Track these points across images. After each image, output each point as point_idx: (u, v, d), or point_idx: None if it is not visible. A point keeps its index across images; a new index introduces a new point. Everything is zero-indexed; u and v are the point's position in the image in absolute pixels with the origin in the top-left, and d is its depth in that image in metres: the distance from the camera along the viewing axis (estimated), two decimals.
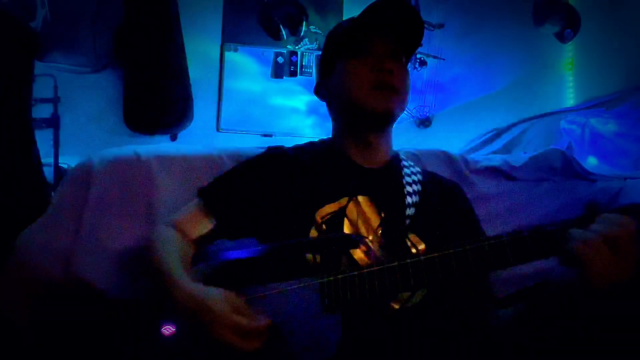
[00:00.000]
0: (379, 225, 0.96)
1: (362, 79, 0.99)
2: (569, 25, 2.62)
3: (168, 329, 0.87)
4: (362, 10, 1.00)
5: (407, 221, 0.96)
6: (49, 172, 2.01)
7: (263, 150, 1.13)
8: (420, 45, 1.08)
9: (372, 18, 0.99)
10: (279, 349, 0.78)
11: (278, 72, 2.83)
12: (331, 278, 0.81)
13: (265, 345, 0.76)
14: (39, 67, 2.24)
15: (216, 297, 0.77)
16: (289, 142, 1.17)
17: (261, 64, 2.83)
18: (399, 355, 0.87)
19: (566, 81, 2.90)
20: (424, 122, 2.99)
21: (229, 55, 2.80)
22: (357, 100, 0.99)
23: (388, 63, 0.99)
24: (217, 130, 2.78)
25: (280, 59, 2.82)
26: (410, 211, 0.98)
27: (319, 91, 1.13)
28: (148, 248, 0.97)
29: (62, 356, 1.15)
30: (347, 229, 0.94)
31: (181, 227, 1.01)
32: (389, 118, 1.02)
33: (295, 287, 0.83)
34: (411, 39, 1.05)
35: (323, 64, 1.12)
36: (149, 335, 0.90)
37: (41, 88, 2.20)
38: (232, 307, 0.76)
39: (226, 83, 2.79)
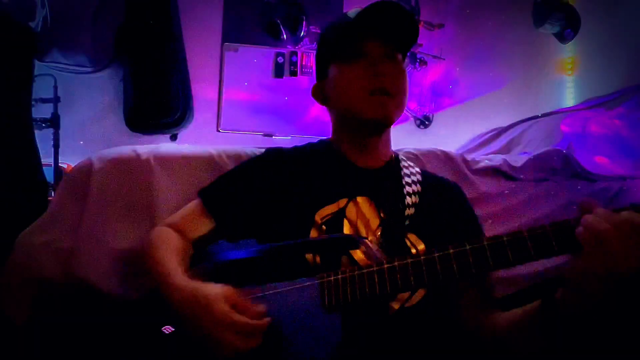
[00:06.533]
0: (379, 226, 0.96)
1: (357, 86, 0.98)
2: (569, 25, 2.62)
3: (168, 329, 0.88)
4: (358, 9, 1.00)
5: (407, 221, 0.96)
6: (49, 172, 2.01)
7: (263, 151, 1.13)
8: (420, 44, 1.07)
9: (365, 21, 0.98)
10: (280, 349, 0.78)
11: (278, 72, 2.83)
12: (331, 278, 0.81)
13: (263, 343, 0.76)
14: (39, 67, 2.25)
15: (215, 295, 0.77)
16: (288, 142, 1.17)
17: (261, 64, 2.83)
18: (399, 356, 0.87)
19: (566, 81, 2.91)
20: (424, 122, 2.99)
21: (229, 55, 2.80)
22: (353, 107, 0.99)
23: (382, 66, 0.97)
24: (217, 130, 2.78)
25: (280, 59, 2.82)
26: (409, 211, 0.98)
27: (316, 94, 1.11)
28: (147, 248, 0.97)
29: (62, 356, 1.15)
30: (346, 230, 0.94)
31: (180, 228, 1.01)
32: (386, 124, 1.01)
33: (295, 287, 0.83)
34: (406, 38, 1.03)
35: (318, 66, 1.11)
36: (149, 335, 0.90)
37: (41, 88, 2.20)
38: (232, 304, 0.76)
39: (226, 83, 2.79)
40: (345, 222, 0.95)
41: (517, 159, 1.64)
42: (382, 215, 0.97)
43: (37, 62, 2.18)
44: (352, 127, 1.04)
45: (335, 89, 1.03)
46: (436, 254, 0.75)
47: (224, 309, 0.75)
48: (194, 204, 1.05)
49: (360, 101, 0.97)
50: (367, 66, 0.98)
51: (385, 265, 0.78)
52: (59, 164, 2.20)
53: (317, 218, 0.95)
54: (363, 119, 0.98)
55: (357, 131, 1.03)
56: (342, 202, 0.98)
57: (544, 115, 2.43)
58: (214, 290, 0.79)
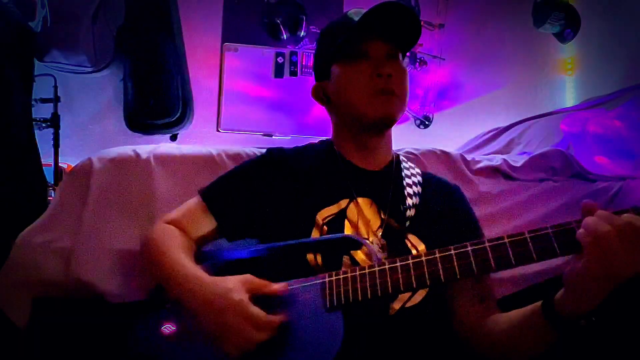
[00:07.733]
0: (380, 227, 0.96)
1: (361, 87, 0.98)
2: (569, 25, 2.62)
3: (168, 328, 0.88)
4: (359, 10, 1.00)
5: (407, 222, 0.96)
6: (49, 172, 2.01)
7: (263, 151, 1.13)
8: (420, 44, 1.08)
9: (368, 21, 0.98)
10: (281, 348, 0.78)
11: (278, 72, 2.82)
12: (333, 278, 0.81)
13: (266, 341, 0.76)
14: (39, 67, 2.24)
15: (234, 283, 0.80)
16: (288, 142, 1.17)
17: (261, 64, 2.82)
18: (400, 356, 0.87)
19: (566, 81, 2.90)
20: (424, 122, 2.99)
21: (229, 55, 2.79)
22: (358, 108, 0.99)
23: (386, 67, 0.97)
24: (217, 130, 2.78)
25: (280, 59, 2.82)
26: (410, 212, 0.98)
27: (317, 94, 1.11)
28: (151, 242, 0.97)
29: (62, 356, 1.15)
30: (347, 231, 0.94)
31: (182, 226, 1.01)
32: (390, 123, 1.01)
33: (297, 286, 0.83)
34: (409, 37, 1.03)
35: (319, 66, 1.10)
36: (149, 334, 0.90)
37: (41, 88, 2.20)
38: (250, 291, 0.80)
39: (226, 83, 2.79)
40: (347, 222, 0.95)
41: (517, 159, 1.64)
42: (383, 216, 0.97)
43: (37, 62, 2.18)
44: (354, 128, 1.04)
45: (339, 89, 1.03)
46: (438, 255, 0.75)
47: (242, 298, 0.78)
48: (194, 203, 1.04)
49: (364, 102, 0.97)
50: (371, 67, 0.98)
51: (387, 266, 0.78)
52: (59, 164, 2.20)
53: (318, 218, 0.95)
54: (367, 119, 0.98)
55: (359, 131, 1.03)
56: (343, 202, 0.98)
57: (544, 115, 2.42)
58: (233, 279, 0.81)
